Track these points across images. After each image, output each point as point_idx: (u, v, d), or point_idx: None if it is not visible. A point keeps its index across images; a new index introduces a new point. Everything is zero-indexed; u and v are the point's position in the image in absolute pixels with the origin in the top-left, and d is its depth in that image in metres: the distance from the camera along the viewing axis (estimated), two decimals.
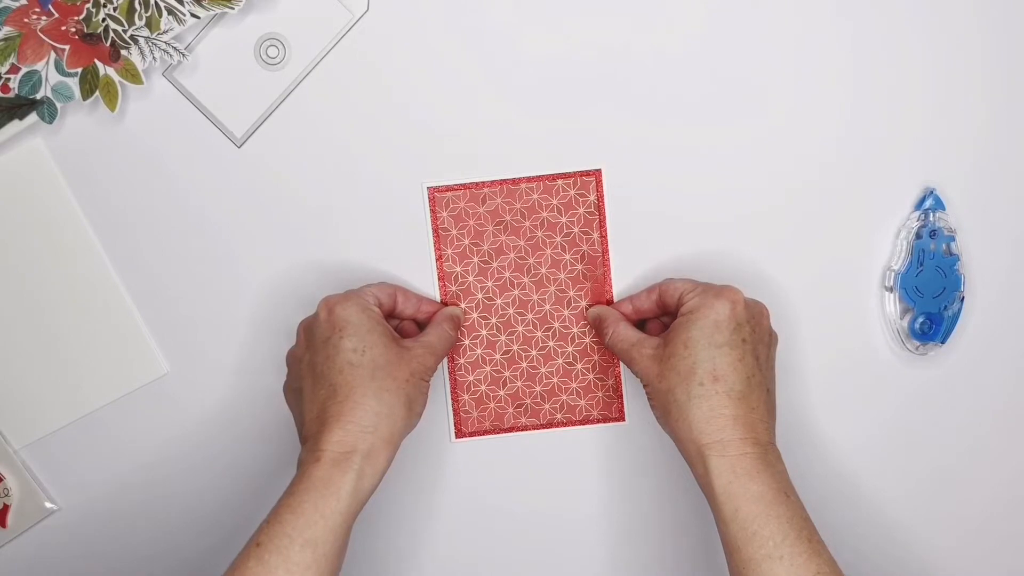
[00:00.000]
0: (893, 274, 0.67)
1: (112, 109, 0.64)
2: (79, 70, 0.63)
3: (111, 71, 0.63)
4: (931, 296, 0.66)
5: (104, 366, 0.67)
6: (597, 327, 0.66)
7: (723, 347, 0.58)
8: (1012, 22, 0.66)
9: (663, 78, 0.66)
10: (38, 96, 0.63)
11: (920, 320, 0.67)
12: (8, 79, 0.62)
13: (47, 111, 0.63)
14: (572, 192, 0.66)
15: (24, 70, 0.63)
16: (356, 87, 0.65)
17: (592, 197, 0.66)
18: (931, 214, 0.66)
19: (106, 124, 0.65)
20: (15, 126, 0.63)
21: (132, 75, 0.64)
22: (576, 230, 0.67)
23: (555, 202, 0.66)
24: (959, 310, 0.67)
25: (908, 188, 0.67)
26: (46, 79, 0.63)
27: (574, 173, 0.66)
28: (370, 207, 0.66)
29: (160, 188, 0.66)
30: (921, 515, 0.69)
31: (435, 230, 0.67)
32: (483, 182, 0.66)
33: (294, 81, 0.65)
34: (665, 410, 0.59)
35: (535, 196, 0.66)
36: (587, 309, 0.67)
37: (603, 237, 0.67)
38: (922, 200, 0.66)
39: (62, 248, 0.66)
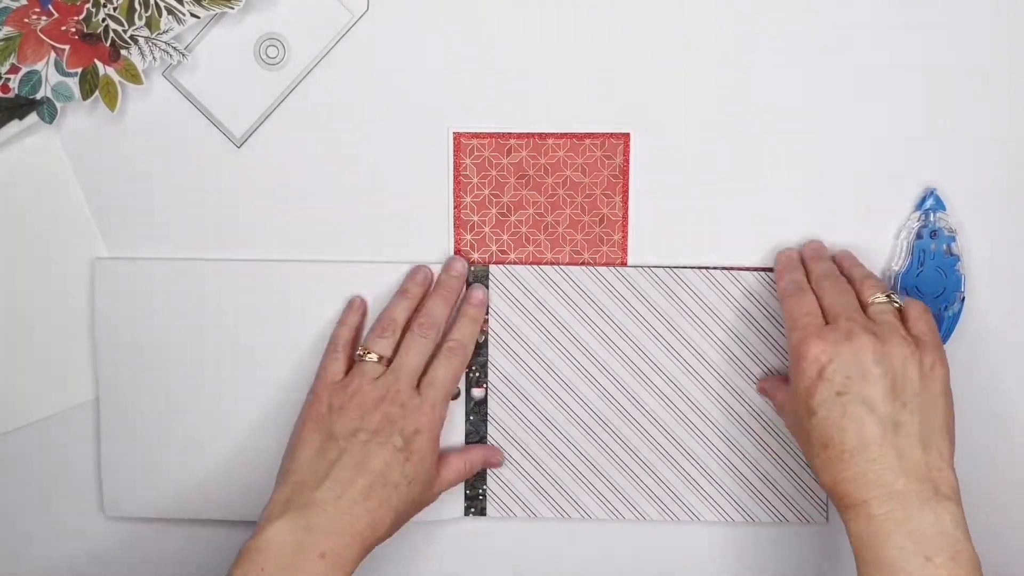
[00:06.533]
0: (893, 274, 0.67)
1: (112, 109, 0.64)
2: (79, 70, 0.63)
3: (111, 71, 0.63)
4: (931, 296, 0.66)
5: None
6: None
7: (815, 415, 0.56)
8: (1013, 22, 0.65)
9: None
10: (38, 96, 0.63)
11: None
12: (8, 79, 0.62)
13: (47, 111, 0.63)
14: (599, 153, 0.66)
15: (24, 70, 0.63)
16: (356, 87, 0.65)
17: (618, 160, 0.66)
18: (931, 214, 0.66)
19: (106, 124, 0.65)
20: (15, 126, 0.64)
21: (132, 75, 0.63)
22: (598, 192, 0.66)
23: (580, 161, 0.66)
24: (959, 311, 0.67)
25: (908, 188, 0.67)
26: (46, 79, 0.63)
27: (603, 134, 0.66)
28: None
29: (160, 188, 0.66)
30: None
31: (456, 177, 0.66)
32: (510, 133, 0.66)
33: (294, 81, 0.65)
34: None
35: (561, 153, 0.66)
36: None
37: (624, 202, 0.66)
38: (922, 200, 0.66)
39: (68, 246, 0.67)
